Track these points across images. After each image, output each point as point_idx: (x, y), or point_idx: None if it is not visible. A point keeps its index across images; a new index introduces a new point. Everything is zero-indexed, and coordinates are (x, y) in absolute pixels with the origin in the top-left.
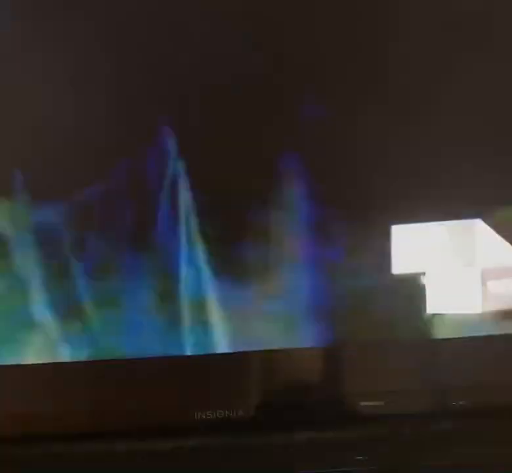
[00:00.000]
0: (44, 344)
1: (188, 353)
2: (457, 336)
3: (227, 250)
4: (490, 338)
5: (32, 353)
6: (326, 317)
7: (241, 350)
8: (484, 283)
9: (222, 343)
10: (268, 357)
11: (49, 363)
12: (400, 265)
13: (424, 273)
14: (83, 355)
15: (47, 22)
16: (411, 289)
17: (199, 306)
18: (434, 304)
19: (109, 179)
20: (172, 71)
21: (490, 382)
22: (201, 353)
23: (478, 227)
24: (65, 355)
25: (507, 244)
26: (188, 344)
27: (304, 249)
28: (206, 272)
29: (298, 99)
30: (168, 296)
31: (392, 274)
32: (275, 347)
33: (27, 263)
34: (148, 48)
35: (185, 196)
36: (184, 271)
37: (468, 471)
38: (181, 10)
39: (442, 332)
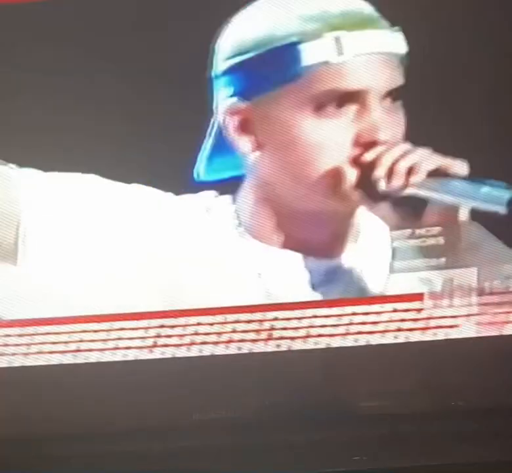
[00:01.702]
0: None
1: None
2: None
3: None
4: (489, 339)
5: None
6: None
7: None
8: None
9: None
10: (269, 358)
11: (50, 365)
12: None
13: None
14: None
15: None
16: None
17: None
18: None
19: None
20: None
21: (489, 382)
22: None
23: None
24: None
25: None
26: None
27: None
28: None
29: None
30: None
31: None
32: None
33: None
34: None
35: None
36: None
37: (467, 471)
38: None
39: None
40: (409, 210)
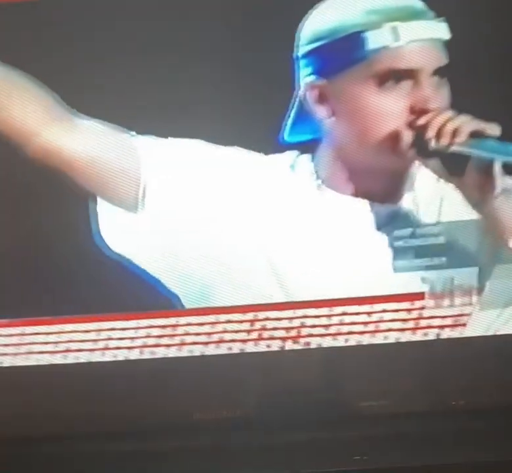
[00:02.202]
0: None
1: None
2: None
3: None
4: (489, 338)
5: None
6: None
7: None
8: None
9: None
10: (269, 358)
11: (49, 364)
12: None
13: None
14: None
15: None
16: None
17: None
18: None
19: None
20: None
21: (489, 381)
22: None
23: None
24: None
25: None
26: None
27: None
28: None
29: None
30: None
31: None
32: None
33: None
34: None
35: None
36: None
37: (466, 470)
38: None
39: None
40: (454, 164)
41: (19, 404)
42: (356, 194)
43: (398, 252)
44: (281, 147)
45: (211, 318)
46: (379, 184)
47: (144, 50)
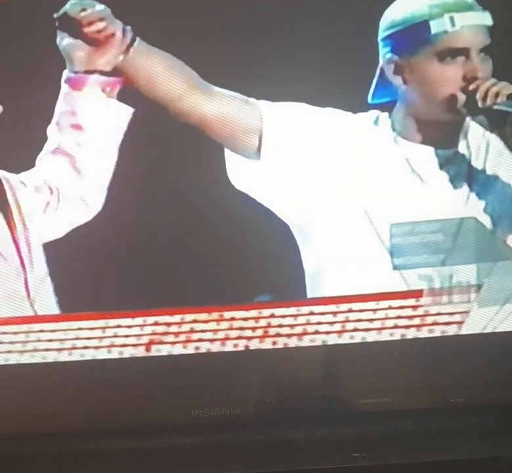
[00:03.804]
0: None
1: None
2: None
3: None
4: (488, 336)
5: None
6: None
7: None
8: None
9: None
10: (268, 355)
11: (48, 362)
12: None
13: None
14: None
15: None
16: None
17: None
18: None
19: None
20: None
21: (488, 379)
22: None
23: None
24: None
25: None
26: None
27: None
28: None
29: None
30: None
31: None
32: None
33: None
34: None
35: None
36: None
37: (464, 468)
38: None
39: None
40: (496, 119)
41: (20, 401)
42: (423, 141)
43: (396, 249)
44: (367, 107)
45: (177, 318)
46: (441, 134)
47: (264, 33)
